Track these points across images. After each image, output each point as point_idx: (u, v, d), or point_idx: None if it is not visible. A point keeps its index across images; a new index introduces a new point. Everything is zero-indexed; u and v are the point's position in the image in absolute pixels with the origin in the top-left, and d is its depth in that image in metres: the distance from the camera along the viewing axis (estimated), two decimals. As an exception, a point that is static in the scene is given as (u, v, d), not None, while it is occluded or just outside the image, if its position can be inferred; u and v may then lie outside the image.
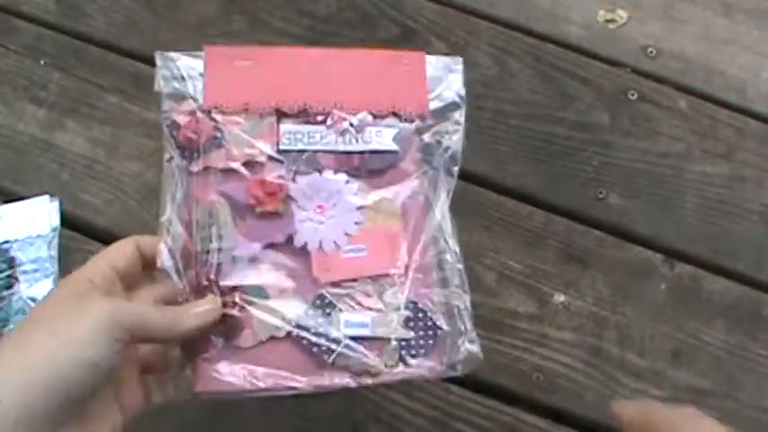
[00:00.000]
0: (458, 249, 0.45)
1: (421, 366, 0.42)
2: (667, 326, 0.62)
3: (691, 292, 0.63)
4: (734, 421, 0.60)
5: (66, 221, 0.62)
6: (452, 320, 0.43)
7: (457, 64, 0.48)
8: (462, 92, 0.47)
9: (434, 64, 0.48)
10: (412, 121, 0.47)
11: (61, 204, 0.63)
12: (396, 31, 0.72)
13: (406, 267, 0.44)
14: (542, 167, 0.67)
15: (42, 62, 0.69)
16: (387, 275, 0.44)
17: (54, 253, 0.61)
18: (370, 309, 0.43)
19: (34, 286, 0.60)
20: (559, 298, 0.62)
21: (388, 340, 0.42)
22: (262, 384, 0.41)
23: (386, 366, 0.41)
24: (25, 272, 0.61)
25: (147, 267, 0.44)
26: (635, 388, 0.60)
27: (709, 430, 0.40)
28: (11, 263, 0.61)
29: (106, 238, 0.63)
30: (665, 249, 0.65)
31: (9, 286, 0.60)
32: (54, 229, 0.62)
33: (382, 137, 0.46)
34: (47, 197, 0.63)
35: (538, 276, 0.63)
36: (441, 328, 0.43)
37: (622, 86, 0.71)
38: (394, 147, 0.46)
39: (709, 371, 0.61)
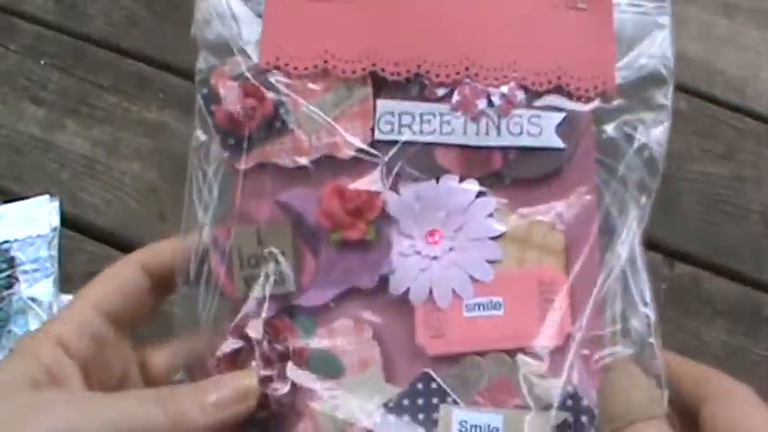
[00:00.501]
0: (653, 312, 0.30)
1: None
2: (667, 326, 0.62)
3: (691, 293, 0.63)
4: (734, 421, 0.60)
5: (66, 221, 0.62)
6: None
7: (662, 11, 0.31)
8: (671, 57, 0.30)
9: (625, 9, 0.31)
10: (588, 101, 0.30)
11: (61, 204, 0.63)
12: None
13: (568, 338, 0.28)
14: (542, 167, 0.67)
15: (42, 62, 0.69)
16: (534, 349, 0.28)
17: (54, 253, 0.61)
18: (502, 404, 0.27)
19: (34, 286, 0.60)
20: (559, 298, 0.62)
21: None
22: None
23: None
24: (25, 272, 0.61)
25: (159, 293, 0.33)
26: (635, 388, 0.60)
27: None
28: (11, 263, 0.61)
29: (106, 238, 0.63)
30: (665, 249, 0.65)
31: (9, 286, 0.60)
32: (54, 229, 0.62)
33: (540, 125, 0.29)
34: (47, 197, 0.63)
35: (538, 276, 0.63)
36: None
37: (622, 86, 0.71)
38: (558, 142, 0.29)
39: (709, 371, 0.61)
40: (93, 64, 0.69)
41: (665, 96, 0.32)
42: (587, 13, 0.30)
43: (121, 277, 0.31)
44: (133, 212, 0.64)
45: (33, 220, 0.62)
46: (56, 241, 0.61)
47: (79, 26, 0.71)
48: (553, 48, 0.29)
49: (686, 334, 0.62)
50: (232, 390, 0.27)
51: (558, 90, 0.29)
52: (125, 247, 0.63)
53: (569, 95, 0.29)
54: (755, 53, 0.74)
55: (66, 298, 0.59)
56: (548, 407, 0.26)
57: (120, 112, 0.67)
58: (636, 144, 0.31)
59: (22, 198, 0.63)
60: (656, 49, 0.31)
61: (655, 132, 0.32)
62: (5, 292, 0.60)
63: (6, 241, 0.61)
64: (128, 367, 0.31)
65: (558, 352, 0.27)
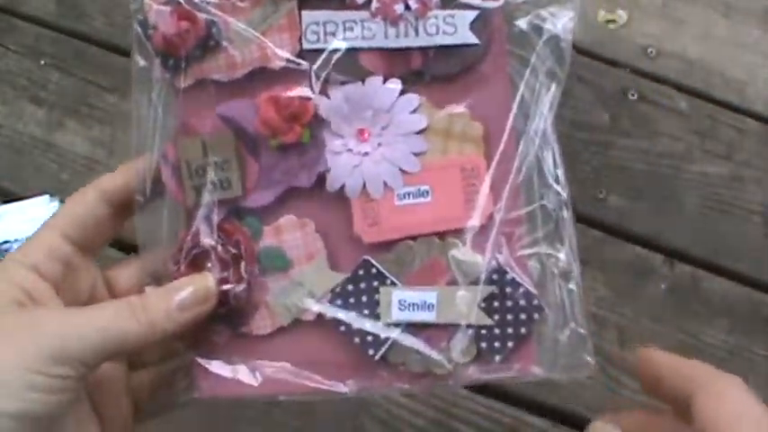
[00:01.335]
0: (565, 190, 0.32)
1: (507, 366, 0.29)
2: (667, 326, 0.62)
3: (691, 292, 0.63)
4: (734, 421, 0.60)
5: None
6: (555, 299, 0.30)
7: None
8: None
9: None
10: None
11: (61, 204, 0.63)
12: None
13: (490, 218, 0.30)
14: (542, 167, 0.67)
15: (42, 62, 0.69)
16: (460, 231, 0.30)
17: (54, 253, 0.61)
18: (435, 282, 0.30)
19: (34, 286, 0.60)
20: (559, 298, 0.62)
21: (461, 327, 0.29)
22: (282, 388, 0.31)
23: (457, 365, 0.29)
24: (25, 272, 0.61)
25: (119, 217, 0.35)
26: (635, 388, 0.60)
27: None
28: (11, 263, 0.61)
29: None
30: (665, 249, 0.65)
31: (9, 286, 0.60)
32: (54, 229, 0.62)
33: (455, 24, 0.30)
34: (47, 197, 0.63)
35: (538, 276, 0.63)
36: (539, 310, 0.29)
37: (622, 86, 0.71)
38: (473, 38, 0.30)
39: (709, 371, 0.61)
40: (93, 64, 0.69)
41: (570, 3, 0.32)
42: None
43: (83, 206, 0.33)
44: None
45: (33, 220, 0.62)
46: (56, 241, 0.61)
47: (79, 26, 0.71)
48: None
49: (686, 334, 0.62)
50: (192, 293, 0.30)
51: None
52: (125, 246, 0.63)
53: (470, 2, 0.30)
54: (755, 53, 0.74)
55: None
56: (475, 282, 0.29)
57: (120, 112, 0.67)
58: (545, 35, 0.32)
59: (22, 198, 0.63)
60: None
61: (562, 23, 0.31)
62: (5, 292, 0.60)
63: (6, 241, 0.61)
64: (95, 286, 0.34)
65: (482, 232, 0.30)
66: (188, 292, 0.30)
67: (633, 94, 0.71)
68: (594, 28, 0.74)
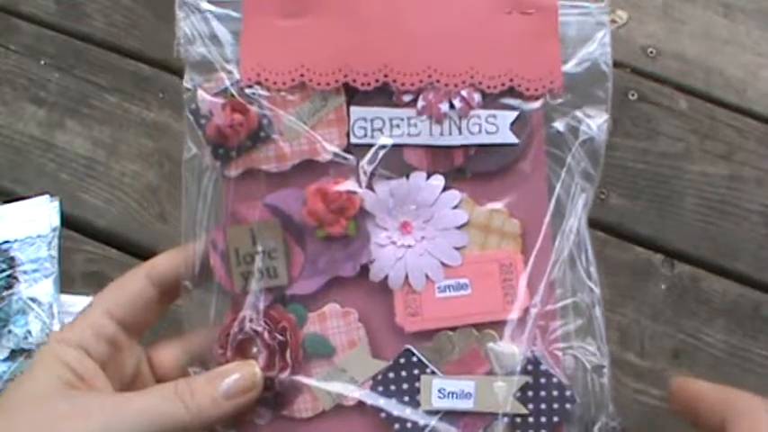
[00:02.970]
0: (598, 288, 0.34)
1: None
2: (667, 326, 0.62)
3: (691, 292, 0.63)
4: (734, 421, 0.60)
5: (66, 221, 0.62)
6: (587, 389, 0.32)
7: (602, 12, 0.32)
8: (609, 55, 0.32)
9: (569, 11, 0.32)
10: (537, 99, 0.32)
11: (61, 204, 0.63)
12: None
13: (526, 311, 0.32)
14: (542, 167, 0.67)
15: (42, 62, 0.69)
16: (497, 323, 0.32)
17: (54, 253, 0.61)
18: (473, 372, 0.31)
19: (34, 286, 0.60)
20: (559, 298, 0.62)
21: (497, 416, 0.30)
22: None
23: None
24: (25, 272, 0.61)
25: (165, 300, 0.35)
26: (635, 388, 0.60)
27: None
28: (11, 263, 0.61)
29: (106, 238, 0.63)
30: (665, 249, 0.65)
31: (9, 286, 0.60)
32: (54, 229, 0.62)
33: (496, 124, 0.31)
34: (47, 197, 0.63)
35: (538, 276, 0.63)
36: (571, 401, 0.31)
37: (622, 86, 0.71)
38: (512, 138, 0.32)
39: (709, 371, 0.61)
40: (93, 64, 0.69)
41: (605, 91, 0.33)
42: (534, 17, 0.32)
43: (130, 288, 0.34)
44: (133, 212, 0.64)
45: (33, 220, 0.62)
46: (56, 241, 0.61)
47: (79, 26, 0.71)
48: (505, 52, 0.32)
49: (686, 334, 0.62)
50: (239, 380, 0.31)
51: (511, 91, 0.32)
52: (125, 247, 0.63)
53: (521, 95, 0.32)
54: (755, 53, 0.74)
55: (66, 298, 0.59)
56: (512, 372, 0.31)
57: (120, 112, 0.67)
58: (581, 137, 0.33)
59: (22, 198, 0.63)
60: (597, 47, 0.32)
61: (597, 124, 0.33)
62: (5, 292, 0.60)
63: (6, 241, 0.61)
64: (139, 365, 0.34)
65: (519, 324, 0.31)
66: (234, 380, 0.31)
67: (633, 94, 0.71)
68: (594, 28, 0.74)
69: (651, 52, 0.73)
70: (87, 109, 0.67)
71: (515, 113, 0.32)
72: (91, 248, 0.62)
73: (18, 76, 0.68)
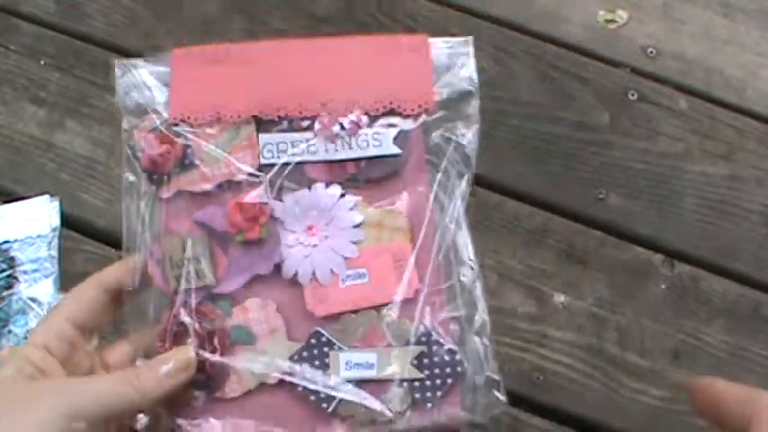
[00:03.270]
0: (477, 267, 0.38)
1: (439, 412, 0.35)
2: (667, 326, 0.62)
3: (691, 292, 0.63)
4: (734, 421, 0.60)
5: (66, 221, 0.62)
6: (473, 354, 0.36)
7: (467, 45, 0.40)
8: (475, 78, 0.40)
9: (440, 47, 0.40)
10: (416, 118, 0.39)
11: (61, 204, 0.63)
12: (396, 31, 0.72)
13: (417, 292, 0.37)
14: (542, 167, 0.67)
15: (42, 62, 0.69)
16: (393, 303, 0.37)
17: (54, 253, 0.61)
18: (374, 345, 0.36)
19: (34, 286, 0.60)
20: (559, 298, 0.62)
21: (398, 382, 0.36)
22: None
23: (396, 413, 0.35)
24: (25, 272, 0.61)
25: (114, 304, 0.40)
26: (635, 388, 0.60)
27: None
28: (11, 263, 0.61)
29: (106, 239, 0.63)
30: (665, 249, 0.65)
31: (9, 286, 0.60)
32: (54, 229, 0.62)
33: (381, 139, 0.38)
34: (47, 197, 0.63)
35: (538, 276, 0.63)
36: (460, 364, 0.36)
37: (622, 86, 0.71)
38: (395, 150, 0.38)
39: (709, 371, 0.61)
40: (93, 64, 0.69)
41: (474, 107, 0.41)
42: (410, 54, 0.40)
43: (86, 295, 0.39)
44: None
45: (33, 220, 0.62)
46: (56, 241, 0.62)
47: (79, 26, 0.71)
48: (386, 81, 0.39)
49: (686, 334, 0.62)
50: (177, 362, 0.37)
51: (392, 112, 0.39)
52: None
53: (402, 115, 0.39)
54: (755, 53, 0.74)
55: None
56: (407, 343, 0.36)
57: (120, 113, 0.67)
58: (453, 144, 0.39)
59: (22, 198, 0.63)
60: (463, 71, 0.40)
61: (468, 135, 0.40)
62: (5, 293, 0.60)
63: (6, 241, 0.62)
64: (93, 363, 0.40)
65: (411, 303, 0.37)
66: (173, 362, 0.37)
67: (633, 94, 0.71)
68: (594, 28, 0.74)
69: (651, 52, 0.73)
70: (87, 109, 0.67)
71: (397, 129, 0.39)
72: (91, 248, 0.62)
73: (18, 76, 0.68)
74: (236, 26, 0.71)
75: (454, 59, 0.40)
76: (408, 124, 0.39)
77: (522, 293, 0.62)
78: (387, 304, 0.37)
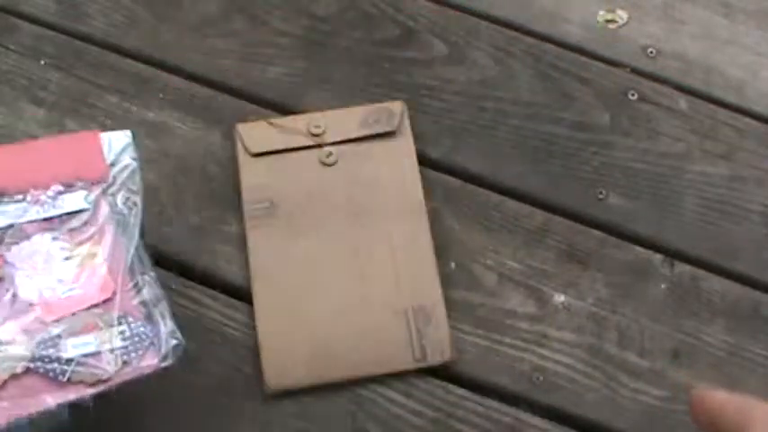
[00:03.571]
0: (152, 273, 0.52)
1: (141, 365, 0.50)
2: (667, 326, 0.62)
3: (691, 292, 0.63)
4: (734, 421, 0.60)
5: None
6: (155, 326, 0.51)
7: (126, 137, 0.56)
8: (135, 159, 0.55)
9: (109, 137, 0.56)
10: (97, 184, 0.54)
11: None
12: (396, 31, 0.72)
13: (114, 293, 0.52)
14: (542, 167, 0.67)
15: (42, 62, 0.69)
16: (99, 303, 0.51)
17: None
18: (92, 331, 0.50)
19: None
20: (559, 298, 0.62)
21: (111, 350, 0.50)
22: (10, 412, 0.47)
23: (114, 372, 0.49)
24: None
25: None
26: (635, 388, 0.60)
27: None
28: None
29: (106, 238, 0.63)
30: (665, 249, 0.65)
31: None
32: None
33: (74, 200, 0.54)
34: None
35: (538, 276, 0.63)
36: (147, 334, 0.51)
37: (622, 86, 0.71)
38: (86, 206, 0.54)
39: (709, 371, 0.61)
40: (93, 64, 0.69)
41: (135, 181, 0.54)
42: (87, 144, 0.55)
43: None
44: (133, 212, 0.64)
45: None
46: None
47: (79, 26, 0.71)
48: (75, 163, 0.54)
49: (686, 334, 0.62)
50: None
51: (81, 182, 0.54)
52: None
53: (87, 183, 0.54)
54: (755, 53, 0.74)
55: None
56: (112, 325, 0.50)
57: (120, 112, 0.67)
58: (124, 200, 0.54)
59: (22, 198, 0.63)
60: (127, 155, 0.55)
61: (132, 198, 0.54)
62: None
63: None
64: None
65: (111, 300, 0.51)
66: None
67: (633, 94, 0.71)
68: (594, 28, 0.74)
69: (651, 52, 0.73)
70: (87, 109, 0.67)
71: (86, 193, 0.53)
72: (91, 248, 0.62)
73: (18, 76, 0.68)
74: (235, 26, 0.71)
75: (119, 145, 0.56)
76: (94, 189, 0.54)
77: (522, 293, 0.62)
78: (96, 304, 0.51)
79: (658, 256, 0.64)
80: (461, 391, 0.59)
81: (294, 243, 0.62)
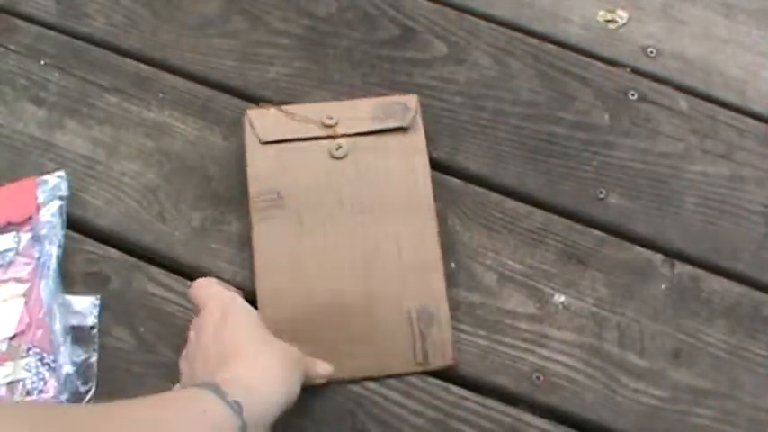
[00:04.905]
0: (56, 307, 0.58)
1: (40, 397, 0.56)
2: (667, 326, 0.62)
3: (691, 292, 0.63)
4: (734, 421, 0.60)
5: (66, 221, 0.62)
6: (66, 352, 0.57)
7: (58, 178, 0.63)
8: (64, 198, 0.62)
9: (44, 179, 0.63)
10: (28, 223, 0.61)
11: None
12: (396, 31, 0.72)
13: (28, 325, 0.57)
14: (542, 167, 0.67)
15: (42, 62, 0.69)
16: (16, 335, 0.57)
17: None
18: (6, 360, 0.57)
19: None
20: (559, 298, 0.62)
21: (23, 380, 0.56)
22: None
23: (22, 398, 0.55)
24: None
25: None
26: (635, 388, 0.60)
27: None
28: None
29: (106, 239, 0.63)
30: (665, 249, 0.65)
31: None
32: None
33: (4, 241, 0.60)
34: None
35: (538, 276, 0.63)
36: (51, 363, 0.56)
37: (622, 86, 0.71)
38: (12, 245, 0.60)
39: (709, 371, 0.61)
40: (93, 64, 0.69)
41: (61, 222, 0.61)
42: (23, 190, 0.63)
43: None
44: (133, 212, 0.64)
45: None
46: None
47: (79, 26, 0.71)
48: (8, 209, 0.62)
49: (686, 334, 0.62)
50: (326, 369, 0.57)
51: (12, 225, 0.61)
52: (125, 247, 0.63)
53: (18, 226, 0.61)
54: (755, 53, 0.74)
55: (68, 298, 0.59)
56: (22, 356, 0.57)
57: (120, 112, 0.67)
58: (49, 241, 0.61)
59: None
60: (60, 191, 0.62)
61: (59, 235, 0.61)
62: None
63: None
64: None
65: (26, 333, 0.57)
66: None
67: (633, 94, 0.71)
68: (594, 28, 0.74)
69: (651, 52, 0.73)
70: (87, 109, 0.67)
71: (14, 233, 0.60)
72: (91, 248, 0.62)
73: (18, 76, 0.68)
74: (235, 26, 0.71)
75: (51, 186, 0.62)
76: (23, 230, 0.60)
77: (522, 293, 0.62)
78: (13, 336, 0.57)
79: (658, 256, 0.64)
80: (461, 391, 0.59)
81: (300, 238, 0.61)
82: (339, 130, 0.64)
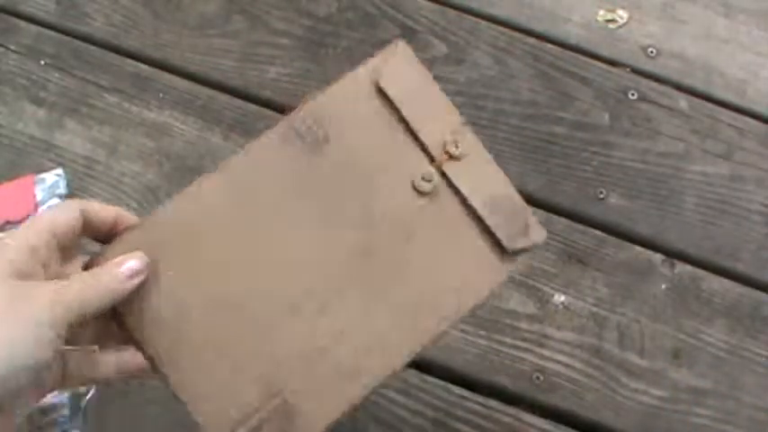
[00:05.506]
0: None
1: None
2: (667, 326, 0.62)
3: (691, 292, 0.63)
4: (734, 421, 0.60)
5: (66, 221, 0.62)
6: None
7: (57, 176, 0.62)
8: (62, 196, 0.60)
9: (42, 177, 0.61)
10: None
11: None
12: (396, 31, 0.72)
13: None
14: (542, 167, 0.67)
15: (42, 62, 0.69)
16: None
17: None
18: None
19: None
20: (559, 298, 0.62)
21: None
22: None
23: None
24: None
25: (85, 234, 0.44)
26: (635, 388, 0.60)
27: None
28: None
29: (106, 238, 0.63)
30: (665, 249, 0.65)
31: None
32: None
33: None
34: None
35: (538, 276, 0.63)
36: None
37: (622, 86, 0.71)
38: None
39: (709, 371, 0.61)
40: (93, 64, 0.69)
41: None
42: (21, 188, 0.61)
43: (68, 213, 0.42)
44: (133, 212, 0.63)
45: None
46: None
47: (79, 26, 0.71)
48: (8, 207, 0.60)
49: (686, 334, 0.62)
50: (135, 261, 0.44)
51: (10, 223, 0.60)
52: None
53: (15, 223, 0.61)
54: (755, 53, 0.74)
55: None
56: None
57: (120, 112, 0.67)
58: None
59: (22, 198, 0.63)
60: (59, 189, 0.61)
61: None
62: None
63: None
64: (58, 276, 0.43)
65: None
66: (133, 262, 0.43)
67: (633, 94, 0.71)
68: (594, 28, 0.74)
69: (651, 52, 0.73)
70: (87, 109, 0.67)
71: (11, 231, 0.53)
72: (91, 248, 0.62)
73: (18, 76, 0.68)
74: (235, 26, 0.71)
75: (49, 183, 0.61)
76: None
77: (522, 293, 0.62)
78: None
79: (658, 256, 0.64)
80: (461, 391, 0.59)
81: None
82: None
